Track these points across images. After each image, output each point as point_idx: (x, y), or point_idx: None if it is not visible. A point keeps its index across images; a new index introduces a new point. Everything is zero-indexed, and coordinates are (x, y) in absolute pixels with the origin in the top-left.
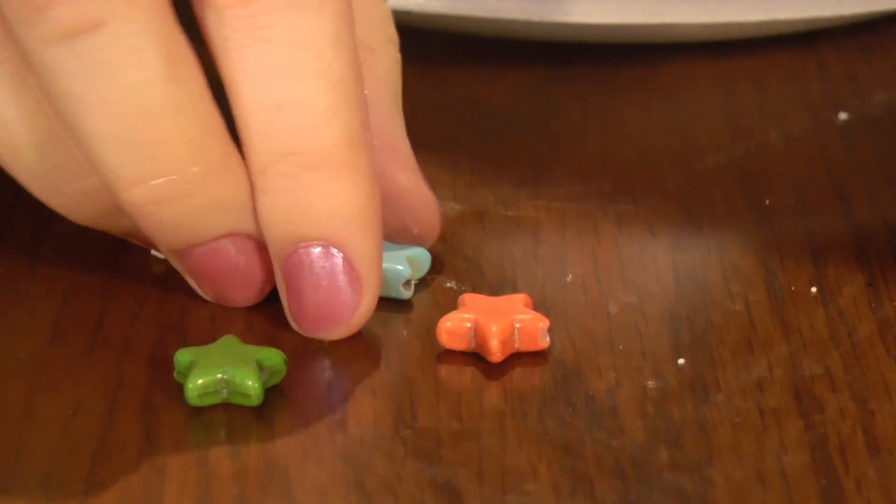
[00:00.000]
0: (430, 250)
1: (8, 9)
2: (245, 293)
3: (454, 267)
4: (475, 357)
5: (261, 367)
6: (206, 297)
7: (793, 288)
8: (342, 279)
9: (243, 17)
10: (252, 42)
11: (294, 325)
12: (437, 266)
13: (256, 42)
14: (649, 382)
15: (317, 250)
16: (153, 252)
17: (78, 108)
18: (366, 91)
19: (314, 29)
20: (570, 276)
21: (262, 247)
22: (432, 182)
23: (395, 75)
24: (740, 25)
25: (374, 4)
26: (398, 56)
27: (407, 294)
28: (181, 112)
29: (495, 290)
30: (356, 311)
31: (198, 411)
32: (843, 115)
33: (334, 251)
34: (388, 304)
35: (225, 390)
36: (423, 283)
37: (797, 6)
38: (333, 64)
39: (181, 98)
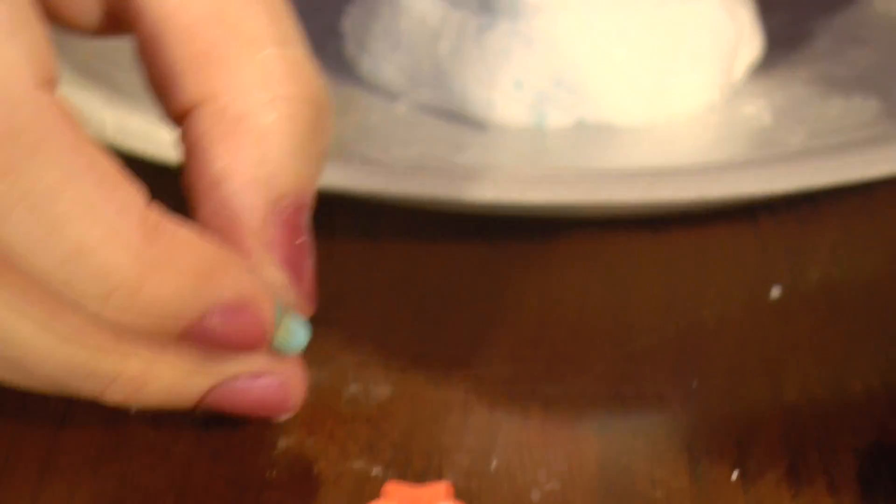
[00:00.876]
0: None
1: None
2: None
3: (382, 453)
4: None
5: None
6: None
7: (715, 473)
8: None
9: None
10: None
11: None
12: (366, 452)
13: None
14: None
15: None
16: None
17: None
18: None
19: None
20: (495, 462)
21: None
22: (366, 365)
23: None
24: (675, 203)
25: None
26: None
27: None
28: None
29: (421, 477)
30: (263, 324)
31: None
32: (776, 291)
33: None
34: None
35: None
36: (350, 471)
37: (731, 183)
38: (82, 192)
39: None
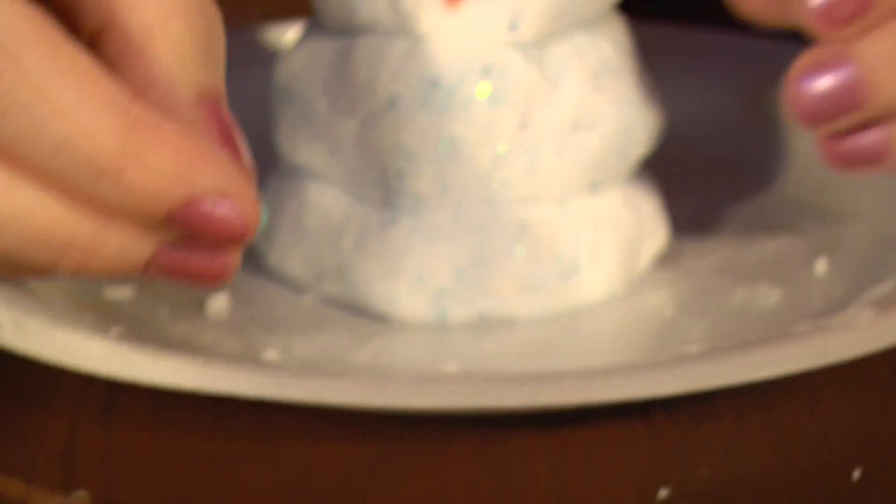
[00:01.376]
0: None
1: None
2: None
3: None
4: None
5: None
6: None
7: None
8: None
9: None
10: None
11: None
12: None
13: None
14: None
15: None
16: None
17: None
18: None
19: (31, 77)
20: None
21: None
22: None
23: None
24: (561, 404)
25: None
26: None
27: None
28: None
29: None
30: (245, 220)
31: None
32: (663, 492)
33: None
34: None
35: None
36: None
37: (617, 388)
38: (64, 85)
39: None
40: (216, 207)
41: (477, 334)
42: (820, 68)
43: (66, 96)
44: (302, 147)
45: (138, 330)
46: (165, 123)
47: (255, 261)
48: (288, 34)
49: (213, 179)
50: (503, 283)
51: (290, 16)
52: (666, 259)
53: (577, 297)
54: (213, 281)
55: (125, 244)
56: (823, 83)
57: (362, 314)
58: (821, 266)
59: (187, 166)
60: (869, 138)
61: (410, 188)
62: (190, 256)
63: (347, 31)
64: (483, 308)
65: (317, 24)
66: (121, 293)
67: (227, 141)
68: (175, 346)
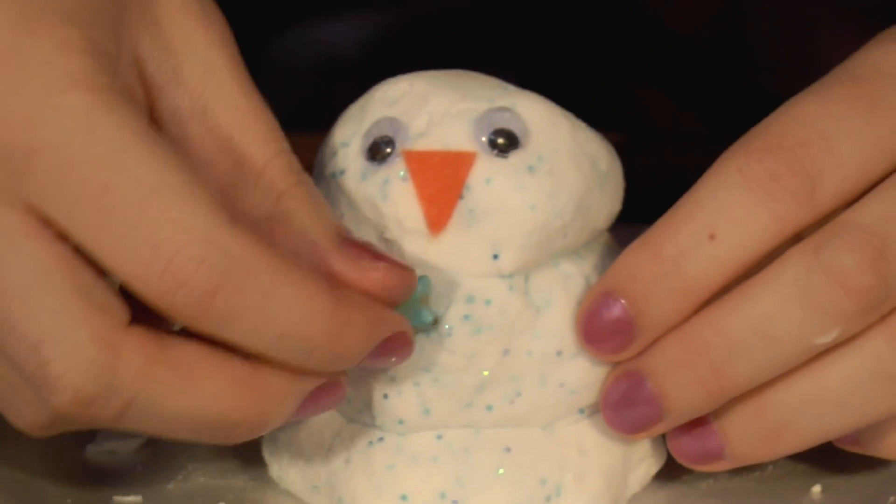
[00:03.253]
0: None
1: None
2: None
3: None
4: None
5: None
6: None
7: None
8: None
9: (210, 320)
10: (228, 324)
11: None
12: None
13: (231, 322)
14: None
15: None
16: None
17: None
18: None
19: (258, 286)
20: None
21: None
22: None
23: None
24: None
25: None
26: None
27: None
28: (233, 384)
29: None
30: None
31: None
32: None
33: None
34: None
35: None
36: None
37: None
38: (285, 288)
39: (225, 379)
40: (396, 344)
41: None
42: (622, 396)
43: (289, 292)
44: None
45: None
46: (353, 294)
47: (262, 471)
48: None
49: (392, 324)
50: (485, 502)
51: None
52: (661, 481)
53: None
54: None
55: (286, 404)
56: (624, 402)
57: None
58: (816, 492)
59: (377, 320)
60: (705, 441)
61: (395, 411)
62: (322, 392)
63: None
64: None
65: None
66: (129, 499)
67: (377, 255)
68: None
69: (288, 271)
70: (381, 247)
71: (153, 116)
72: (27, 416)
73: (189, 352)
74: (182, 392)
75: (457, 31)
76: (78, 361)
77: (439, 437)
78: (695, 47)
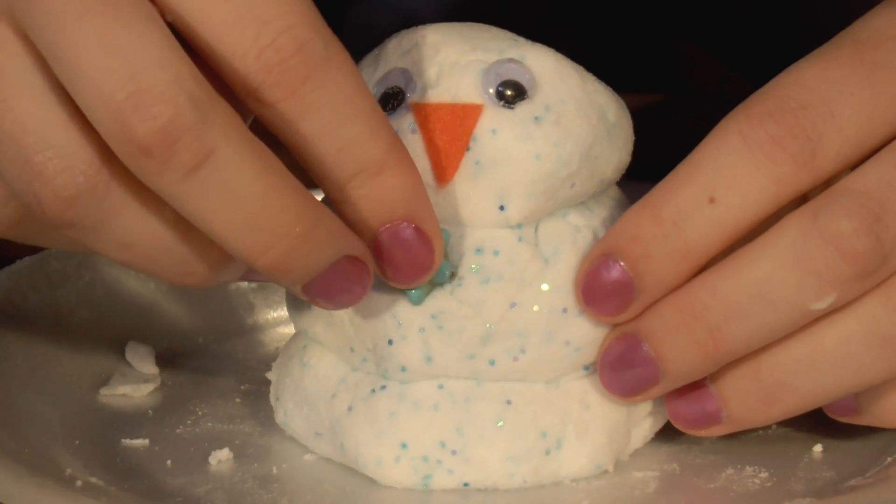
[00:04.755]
0: None
1: (138, 168)
2: (355, 296)
3: None
4: None
5: None
6: (325, 307)
7: None
8: (418, 242)
9: (293, 104)
10: (305, 115)
11: (393, 284)
12: None
13: (309, 114)
14: None
15: (396, 227)
16: None
17: (208, 218)
18: None
19: (342, 89)
20: None
21: (359, 261)
22: None
23: None
24: None
25: None
26: None
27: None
28: (278, 193)
29: None
30: (433, 258)
31: None
32: None
33: (405, 225)
34: None
35: None
36: None
37: None
38: (362, 102)
39: (275, 182)
40: (420, 237)
41: (460, 501)
42: (620, 357)
43: (363, 105)
44: (304, 316)
45: (141, 478)
46: (408, 154)
47: (269, 418)
48: None
49: (425, 213)
50: (486, 454)
51: None
52: (665, 437)
53: (560, 470)
54: (353, 300)
55: (317, 251)
56: (621, 364)
57: (356, 474)
58: (817, 452)
59: (414, 194)
60: (702, 405)
61: (398, 357)
62: (346, 277)
63: None
64: (466, 477)
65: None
66: (136, 441)
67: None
68: (166, 497)
69: (367, 90)
70: None
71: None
72: None
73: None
74: (144, 213)
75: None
76: (68, 173)
77: (441, 386)
78: (745, 7)
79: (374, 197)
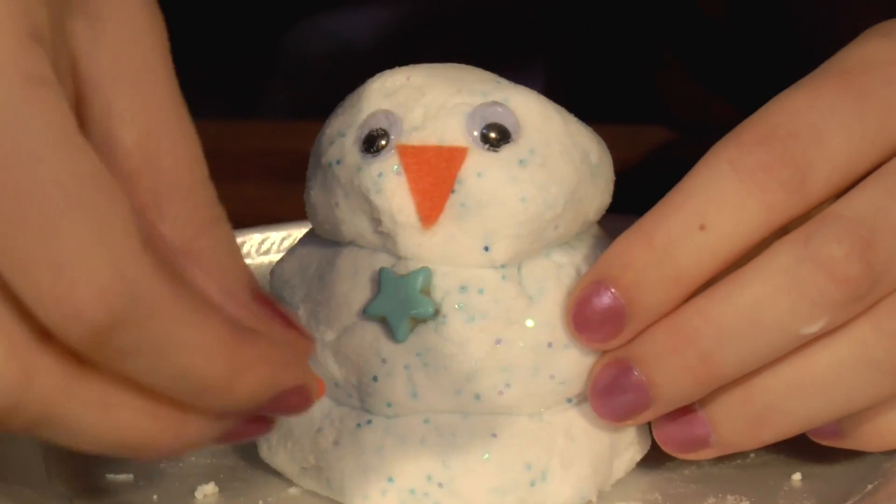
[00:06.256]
0: None
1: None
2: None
3: None
4: None
5: None
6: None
7: None
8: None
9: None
10: (118, 362)
11: None
12: None
13: (124, 360)
14: None
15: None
16: None
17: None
18: None
19: (156, 332)
20: None
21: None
22: None
23: None
24: None
25: None
26: None
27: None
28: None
29: None
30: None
31: None
32: None
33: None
34: None
35: None
36: None
37: None
38: (186, 333)
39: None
40: (295, 397)
41: None
42: (611, 383)
43: (189, 335)
44: None
45: None
46: (258, 339)
47: (253, 451)
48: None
49: (293, 377)
50: (472, 486)
51: None
52: (646, 467)
53: (546, 501)
54: (262, 432)
55: (203, 433)
56: (612, 389)
57: None
58: (796, 480)
59: (278, 373)
60: (691, 428)
61: (384, 394)
62: (247, 425)
63: (336, 242)
64: None
65: (314, 232)
66: (121, 477)
67: (286, 322)
68: None
69: (193, 311)
70: (374, 238)
71: (81, 114)
72: None
73: (106, 375)
74: (96, 417)
75: (472, 22)
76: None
77: (427, 420)
78: (730, 34)
79: (238, 399)
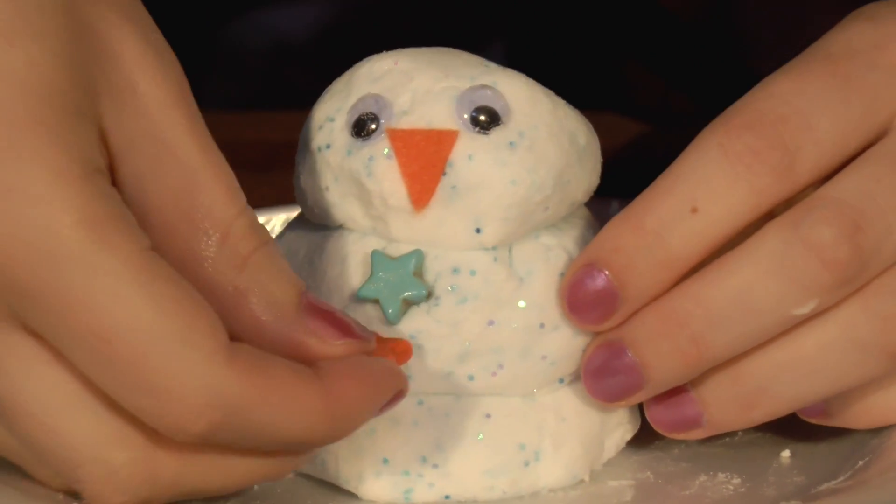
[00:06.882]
0: None
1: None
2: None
3: None
4: None
5: None
6: None
7: None
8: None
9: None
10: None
11: None
12: None
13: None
14: None
15: None
16: None
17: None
18: None
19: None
20: None
21: None
22: None
23: None
24: None
25: None
26: None
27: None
28: None
29: None
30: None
31: None
32: None
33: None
34: None
35: None
36: None
37: None
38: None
39: None
40: (390, 403)
41: None
42: (603, 365)
43: (284, 417)
44: None
45: None
46: (348, 382)
47: None
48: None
49: (384, 392)
50: (466, 467)
51: None
52: (636, 446)
53: (538, 481)
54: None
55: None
56: (605, 371)
57: (337, 490)
58: (785, 457)
59: (373, 401)
60: (683, 409)
61: None
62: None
63: (326, 226)
64: (447, 490)
65: (302, 217)
66: None
67: (342, 330)
68: None
69: (283, 397)
70: (366, 221)
71: (114, 180)
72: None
73: (218, 447)
74: (221, 482)
75: (416, 15)
76: (115, 483)
77: (420, 402)
78: (686, 27)
79: (346, 430)
